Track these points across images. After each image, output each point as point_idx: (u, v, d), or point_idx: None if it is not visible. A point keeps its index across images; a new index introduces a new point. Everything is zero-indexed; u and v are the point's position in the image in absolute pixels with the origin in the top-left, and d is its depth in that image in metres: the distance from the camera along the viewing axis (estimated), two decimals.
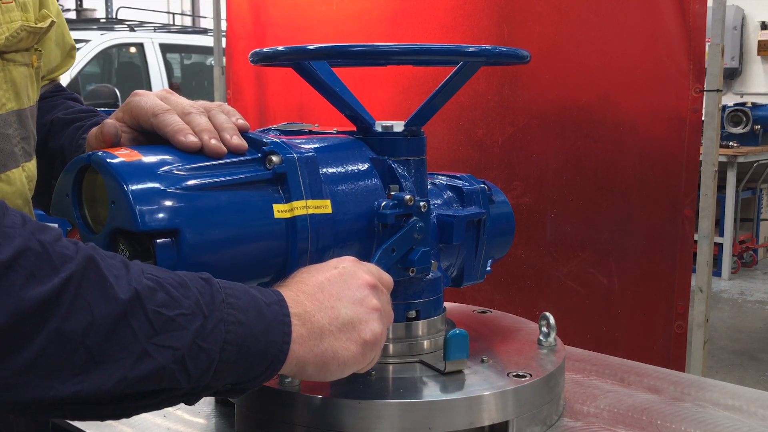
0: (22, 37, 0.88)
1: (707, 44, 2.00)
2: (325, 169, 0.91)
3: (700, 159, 2.00)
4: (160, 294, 0.62)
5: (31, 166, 0.92)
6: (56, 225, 0.64)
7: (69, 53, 1.12)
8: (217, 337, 0.65)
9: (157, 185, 0.74)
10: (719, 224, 5.76)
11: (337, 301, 0.77)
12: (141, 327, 0.60)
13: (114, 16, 6.96)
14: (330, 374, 0.76)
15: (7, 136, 0.87)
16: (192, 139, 0.80)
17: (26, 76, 0.91)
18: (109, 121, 0.86)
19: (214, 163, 0.80)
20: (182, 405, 1.10)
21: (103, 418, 0.63)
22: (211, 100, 1.14)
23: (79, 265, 0.58)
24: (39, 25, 0.91)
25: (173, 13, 8.61)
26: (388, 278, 0.86)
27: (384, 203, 0.93)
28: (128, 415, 0.65)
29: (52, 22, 0.95)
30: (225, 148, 0.81)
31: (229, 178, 0.80)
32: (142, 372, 0.61)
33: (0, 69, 0.86)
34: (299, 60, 0.98)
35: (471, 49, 0.94)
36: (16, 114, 0.88)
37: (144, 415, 1.07)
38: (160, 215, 0.73)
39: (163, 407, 0.66)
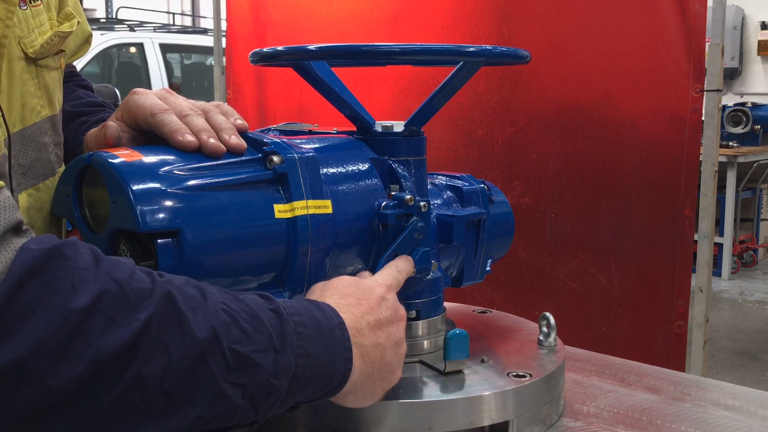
0: (54, 43, 0.86)
1: (707, 44, 2.00)
2: (325, 169, 0.91)
3: (700, 159, 2.00)
4: (235, 330, 0.62)
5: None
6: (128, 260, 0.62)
7: (86, 40, 1.10)
8: (287, 372, 0.65)
9: (158, 185, 0.74)
10: (719, 224, 5.76)
11: (386, 339, 0.79)
12: (217, 366, 0.60)
13: (114, 16, 6.96)
14: (364, 397, 0.80)
15: (44, 145, 0.85)
16: (189, 138, 0.80)
17: (56, 80, 0.90)
18: (111, 123, 0.86)
19: (214, 163, 0.80)
20: None
21: None
22: (211, 100, 1.13)
23: (157, 305, 0.57)
24: (67, 29, 0.89)
25: (173, 13, 8.61)
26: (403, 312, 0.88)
27: (384, 203, 0.93)
28: None
29: (78, 23, 0.94)
30: (224, 147, 0.81)
31: (230, 178, 0.80)
32: (217, 411, 0.60)
33: (35, 76, 0.84)
34: (299, 60, 0.98)
35: (471, 49, 0.94)
36: (50, 120, 0.86)
37: None
38: (161, 215, 0.73)
39: None
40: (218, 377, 0.59)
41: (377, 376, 0.78)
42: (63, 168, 0.90)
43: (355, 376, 0.74)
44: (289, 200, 0.85)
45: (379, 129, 1.00)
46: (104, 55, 6.62)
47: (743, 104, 6.09)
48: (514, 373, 0.97)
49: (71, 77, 1.13)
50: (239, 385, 0.61)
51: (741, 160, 5.69)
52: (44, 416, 0.53)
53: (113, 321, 0.54)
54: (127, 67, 7.01)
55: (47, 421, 0.54)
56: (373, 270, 0.96)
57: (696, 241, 2.04)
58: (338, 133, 1.03)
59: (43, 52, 0.84)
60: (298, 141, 0.94)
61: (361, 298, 0.80)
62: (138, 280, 0.58)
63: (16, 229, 0.55)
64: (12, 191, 0.79)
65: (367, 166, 0.96)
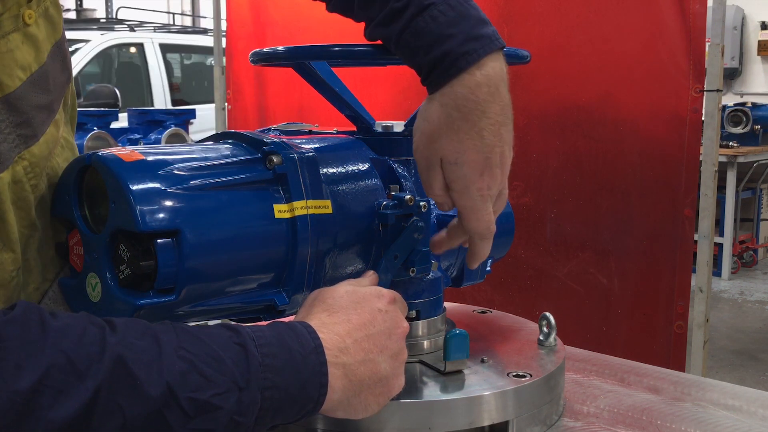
0: None
1: (707, 44, 2.00)
2: (325, 169, 0.91)
3: (700, 159, 2.00)
4: (194, 376, 0.61)
5: (36, 149, 0.78)
6: (81, 313, 0.61)
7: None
8: (253, 408, 0.64)
9: (157, 185, 0.74)
10: (719, 224, 5.76)
11: (379, 353, 0.77)
12: (176, 418, 0.59)
13: (114, 16, 6.96)
14: (351, 418, 0.77)
15: None
16: None
17: (11, 50, 0.75)
18: None
19: (214, 163, 0.81)
20: None
21: None
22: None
23: (107, 370, 0.56)
24: None
25: (173, 13, 8.61)
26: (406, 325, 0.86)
27: (384, 203, 0.93)
28: None
29: None
30: None
31: (230, 178, 0.80)
32: None
33: None
34: (299, 60, 0.98)
35: None
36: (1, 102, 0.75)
37: None
38: (161, 215, 0.73)
39: None
40: (177, 428, 0.59)
41: (368, 391, 0.76)
42: (35, 146, 0.79)
43: (335, 396, 0.72)
44: (289, 200, 0.85)
45: (379, 129, 1.00)
46: (104, 55, 6.62)
47: (743, 104, 6.09)
48: (514, 373, 0.97)
49: None
50: (201, 430, 0.61)
51: (741, 160, 5.69)
52: None
53: (62, 393, 0.54)
54: (127, 67, 7.02)
55: None
56: (376, 268, 0.96)
57: (696, 241, 2.04)
58: (338, 133, 1.03)
59: None
60: (298, 141, 0.94)
61: (352, 313, 0.78)
62: (87, 344, 0.57)
63: None
64: None
65: (367, 166, 0.96)
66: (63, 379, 0.54)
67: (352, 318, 0.77)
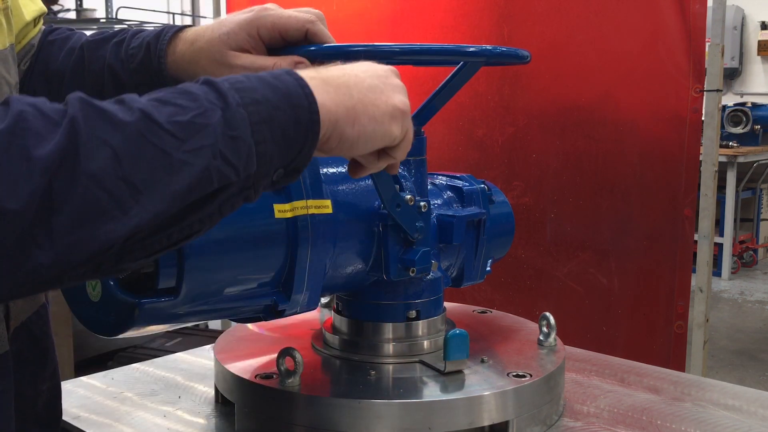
0: None
1: (707, 44, 2.00)
2: (325, 169, 0.91)
3: (700, 159, 2.00)
4: (167, 107, 0.60)
5: None
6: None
7: (36, 21, 1.03)
8: (242, 122, 0.62)
9: None
10: (719, 224, 5.76)
11: (364, 72, 0.75)
12: (165, 141, 0.58)
13: (114, 16, 6.96)
14: (363, 129, 0.72)
15: None
16: None
17: None
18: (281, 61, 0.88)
19: None
20: (182, 405, 1.10)
21: (177, 244, 0.62)
22: None
23: (77, 108, 0.56)
24: None
25: (173, 13, 8.61)
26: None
27: None
28: (199, 231, 0.63)
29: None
30: None
31: None
32: (188, 180, 0.59)
33: None
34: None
35: (471, 49, 0.94)
36: None
37: (144, 415, 1.07)
38: None
39: (226, 211, 0.64)
40: (171, 150, 0.58)
41: (364, 100, 0.72)
42: None
43: (328, 105, 0.69)
44: (289, 200, 0.85)
45: None
46: None
47: (743, 104, 6.09)
48: (514, 373, 0.97)
49: (54, 29, 1.06)
50: (200, 147, 0.59)
51: (741, 160, 5.69)
52: (21, 246, 0.53)
53: (40, 134, 0.54)
54: None
55: (27, 250, 0.53)
56: (376, 268, 0.96)
57: (696, 241, 2.04)
58: None
59: None
60: None
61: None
62: (51, 103, 0.57)
63: None
64: None
65: None
66: (38, 123, 0.54)
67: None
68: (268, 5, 0.91)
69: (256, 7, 0.91)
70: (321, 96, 0.68)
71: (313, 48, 0.91)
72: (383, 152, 0.77)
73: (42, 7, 1.02)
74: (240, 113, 0.62)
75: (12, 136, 0.53)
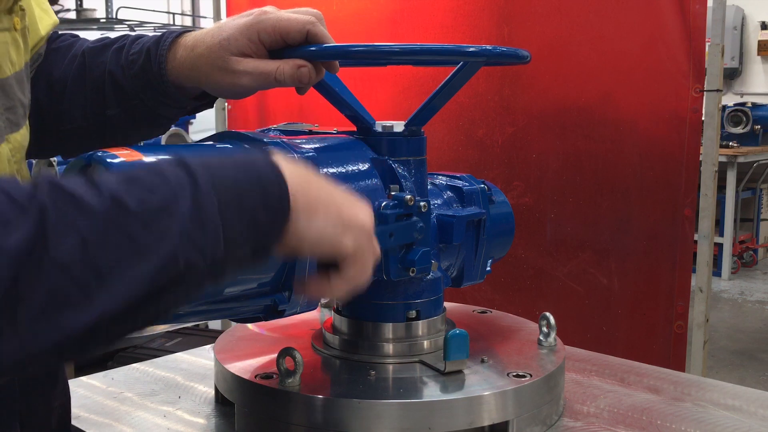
0: None
1: (707, 44, 2.00)
2: (325, 169, 0.91)
3: (700, 159, 2.00)
4: (137, 189, 0.59)
5: (18, 136, 0.86)
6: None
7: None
8: (210, 203, 0.62)
9: None
10: (719, 224, 5.76)
11: (333, 186, 0.76)
12: (132, 226, 0.57)
13: (114, 16, 6.95)
14: (317, 227, 0.71)
15: None
16: None
17: (5, 42, 0.84)
18: (293, 65, 0.90)
19: None
20: (182, 405, 1.10)
21: (141, 328, 0.61)
22: None
23: (44, 195, 0.56)
24: None
25: (173, 13, 8.60)
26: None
27: (384, 203, 0.93)
28: (163, 317, 0.62)
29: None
30: None
31: None
32: (154, 264, 0.58)
33: None
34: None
35: (471, 49, 0.94)
36: None
37: (144, 415, 1.07)
38: None
39: (193, 296, 0.63)
40: (137, 237, 0.57)
41: (327, 200, 0.72)
42: (18, 133, 0.86)
43: (294, 179, 0.68)
44: None
45: (379, 129, 1.01)
46: None
47: (743, 104, 6.09)
48: (514, 373, 0.97)
49: (59, 36, 1.06)
50: (163, 233, 0.59)
51: (741, 160, 5.69)
52: None
53: (10, 222, 0.53)
54: None
55: None
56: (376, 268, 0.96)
57: (696, 241, 2.04)
58: (338, 133, 1.03)
59: None
60: (298, 141, 0.94)
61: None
62: (20, 184, 0.57)
63: None
64: None
65: (367, 166, 0.96)
66: (6, 210, 0.53)
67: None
68: (267, 8, 0.91)
69: (255, 11, 0.91)
70: (287, 171, 0.68)
71: (313, 48, 0.91)
72: (333, 270, 0.76)
73: (56, 19, 1.02)
74: (210, 197, 0.62)
75: None
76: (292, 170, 0.70)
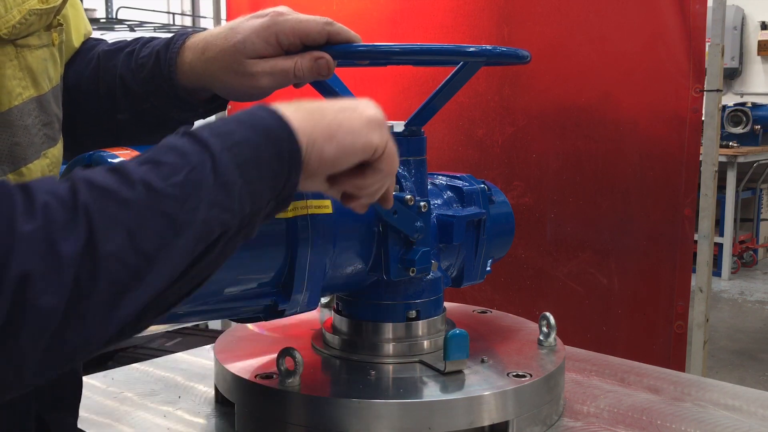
0: (32, 22, 0.81)
1: (707, 44, 2.00)
2: None
3: (700, 159, 2.00)
4: (161, 169, 0.62)
5: (55, 151, 0.87)
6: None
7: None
8: (229, 167, 0.64)
9: None
10: (719, 224, 5.76)
11: (330, 103, 0.77)
12: (168, 206, 0.60)
13: (114, 16, 6.96)
14: (341, 144, 0.73)
15: (26, 127, 0.82)
16: None
17: (44, 58, 0.85)
18: (314, 57, 0.89)
19: None
20: (182, 405, 1.10)
21: (188, 295, 0.64)
22: None
23: (85, 195, 0.58)
24: (40, 5, 0.82)
25: (173, 13, 8.60)
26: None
27: None
28: (207, 277, 0.65)
29: None
30: None
31: None
32: (192, 236, 0.61)
33: (14, 57, 0.79)
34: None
35: (471, 49, 0.94)
36: (35, 101, 0.83)
37: (144, 415, 1.07)
38: None
39: (229, 253, 0.66)
40: (175, 214, 0.60)
41: (338, 117, 0.74)
42: (55, 148, 0.87)
43: (303, 127, 0.70)
44: None
45: None
46: None
47: (743, 104, 6.09)
48: (514, 373, 0.97)
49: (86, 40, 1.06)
50: (196, 204, 0.61)
51: (741, 160, 5.69)
52: (56, 337, 0.54)
53: (65, 227, 0.55)
54: None
55: (61, 338, 0.55)
56: (376, 268, 0.96)
57: (696, 241, 2.04)
58: None
59: (19, 32, 0.79)
60: None
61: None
62: (61, 186, 0.58)
63: None
64: None
65: None
66: (59, 216, 0.56)
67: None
68: (281, 9, 0.89)
69: (269, 11, 0.89)
70: (297, 122, 0.70)
71: (347, 48, 0.91)
72: (369, 168, 0.77)
73: (89, 29, 1.03)
74: (225, 159, 0.64)
75: (44, 232, 0.54)
76: (294, 109, 0.72)
